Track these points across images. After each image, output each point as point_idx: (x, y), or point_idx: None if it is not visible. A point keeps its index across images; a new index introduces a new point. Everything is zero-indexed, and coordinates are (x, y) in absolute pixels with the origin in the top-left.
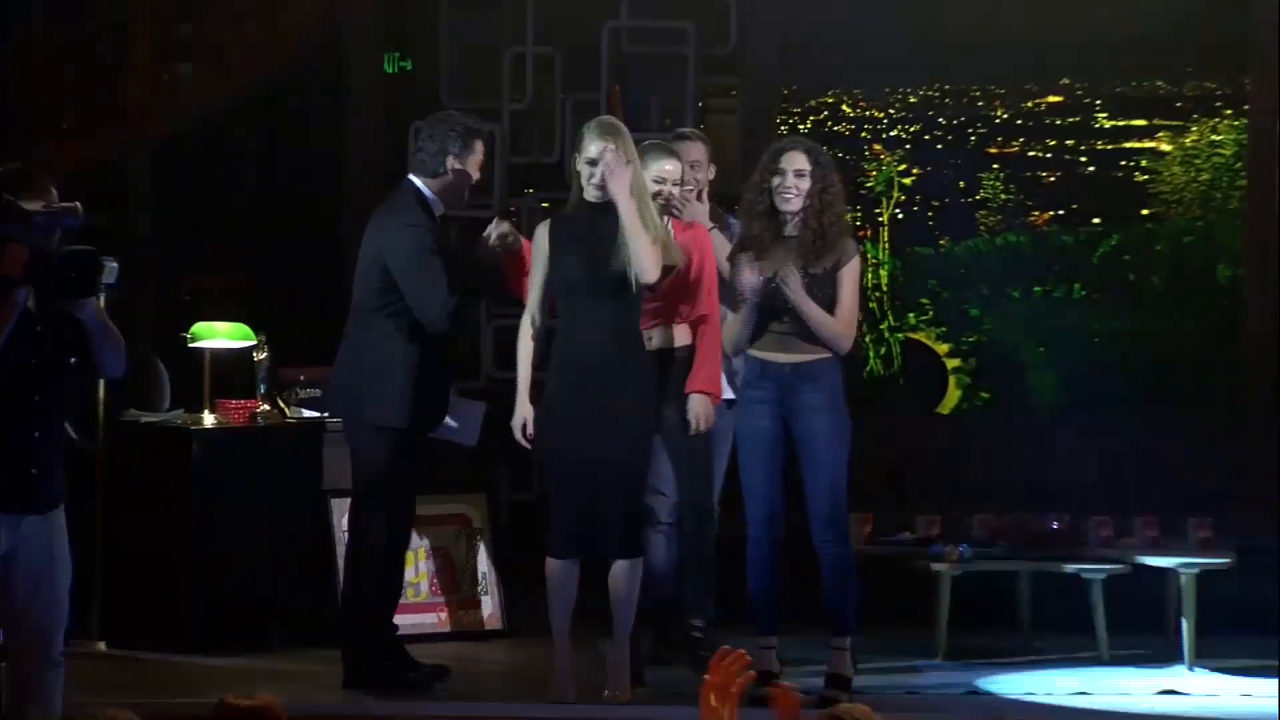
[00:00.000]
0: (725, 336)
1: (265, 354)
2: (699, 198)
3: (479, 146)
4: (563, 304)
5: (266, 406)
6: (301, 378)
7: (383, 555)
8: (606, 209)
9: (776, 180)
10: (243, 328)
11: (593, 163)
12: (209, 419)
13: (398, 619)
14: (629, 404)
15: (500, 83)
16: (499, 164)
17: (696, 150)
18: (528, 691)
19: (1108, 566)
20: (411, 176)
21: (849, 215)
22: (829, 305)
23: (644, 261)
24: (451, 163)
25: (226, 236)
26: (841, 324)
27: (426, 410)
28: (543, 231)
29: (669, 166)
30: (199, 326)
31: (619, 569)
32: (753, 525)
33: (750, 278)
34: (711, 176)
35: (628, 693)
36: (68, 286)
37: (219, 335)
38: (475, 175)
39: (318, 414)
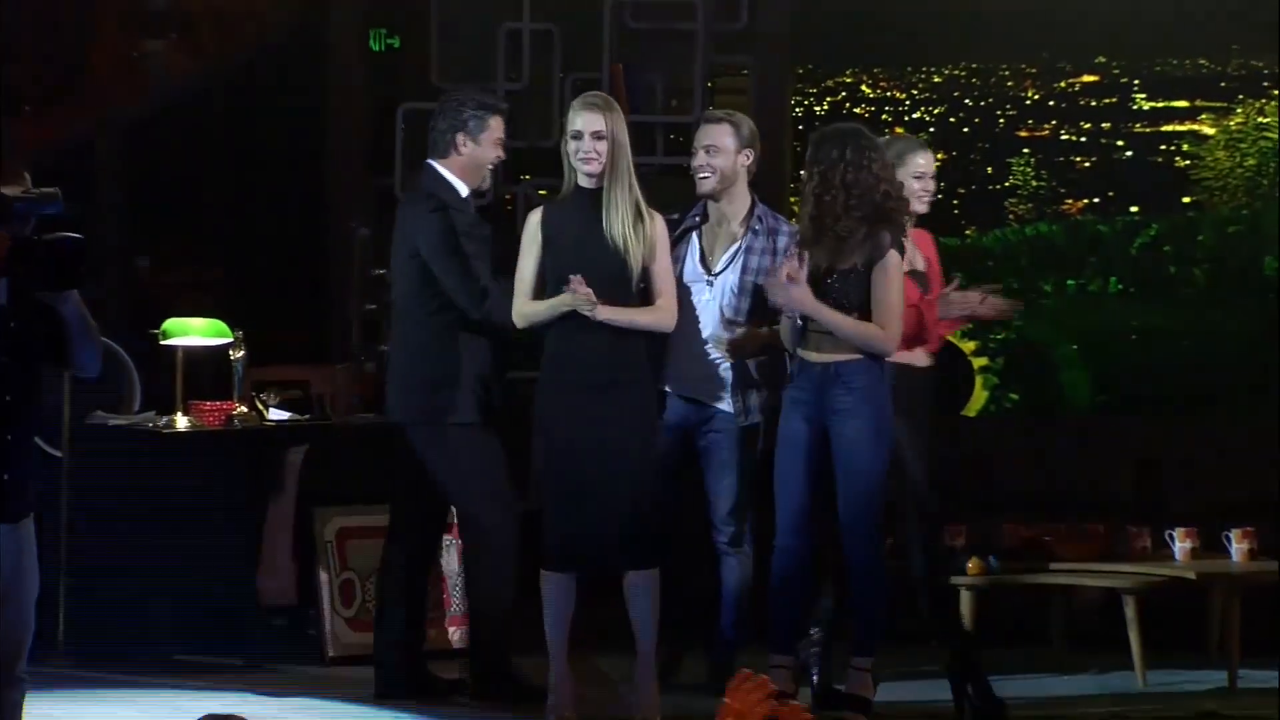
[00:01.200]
0: (782, 334)
1: (242, 352)
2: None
3: (494, 123)
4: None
5: (244, 408)
6: (284, 376)
7: (508, 555)
8: (600, 196)
9: (805, 173)
10: (218, 324)
11: (578, 136)
12: (182, 421)
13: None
14: (627, 407)
15: (495, 62)
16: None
17: (719, 133)
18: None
19: (1142, 578)
20: (429, 160)
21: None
22: (861, 305)
23: (654, 326)
24: (463, 141)
25: (201, 225)
26: (879, 326)
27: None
28: (535, 218)
29: (921, 161)
30: (171, 323)
31: (633, 582)
32: (781, 534)
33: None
34: (747, 163)
35: (658, 713)
36: (51, 277)
37: (193, 332)
38: (493, 154)
39: (299, 417)
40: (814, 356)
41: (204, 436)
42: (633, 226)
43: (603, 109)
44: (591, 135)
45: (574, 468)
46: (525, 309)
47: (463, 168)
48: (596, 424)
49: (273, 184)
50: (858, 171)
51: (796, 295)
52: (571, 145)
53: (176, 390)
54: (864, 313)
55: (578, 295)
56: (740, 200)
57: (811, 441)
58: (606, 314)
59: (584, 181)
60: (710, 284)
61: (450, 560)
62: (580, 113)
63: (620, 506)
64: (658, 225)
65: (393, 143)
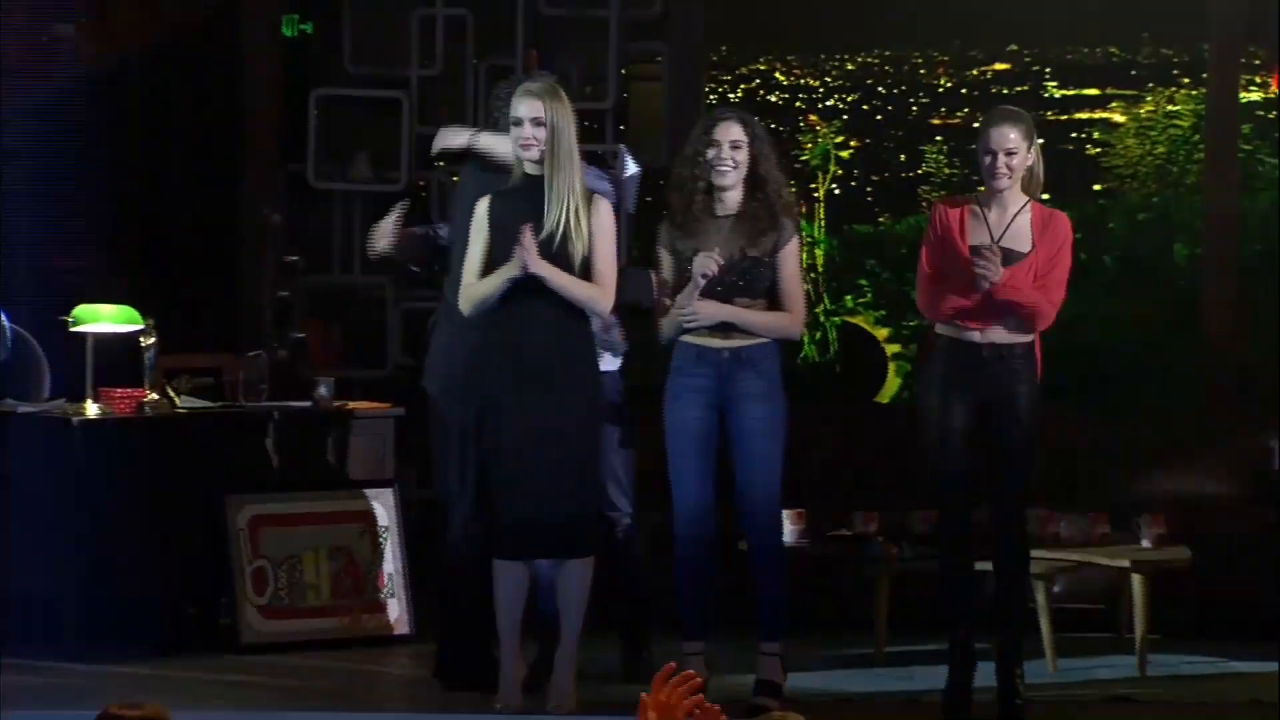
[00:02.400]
0: (657, 325)
1: (153, 339)
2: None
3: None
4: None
5: (155, 396)
6: (197, 364)
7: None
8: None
9: (711, 153)
10: (129, 310)
11: (519, 123)
12: (92, 409)
13: (297, 624)
14: (571, 393)
15: (408, 47)
16: (406, 135)
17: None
18: (440, 700)
19: (1053, 563)
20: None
21: (788, 191)
22: (770, 290)
23: (587, 302)
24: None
25: (110, 210)
26: (791, 314)
27: None
28: (483, 206)
29: (1013, 135)
30: (81, 309)
31: (571, 570)
32: (681, 524)
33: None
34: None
35: (573, 702)
36: None
37: (103, 318)
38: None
39: (210, 404)
40: (717, 343)
41: (114, 424)
42: (575, 213)
43: (542, 96)
44: (531, 122)
45: (520, 455)
46: (472, 291)
47: None
48: (541, 411)
49: (184, 170)
50: (765, 160)
51: (712, 312)
52: (513, 132)
53: (87, 377)
54: (770, 298)
55: (521, 247)
56: None
57: (712, 429)
58: (543, 270)
59: (529, 169)
60: None
61: (364, 548)
62: (521, 99)
63: (566, 493)
64: (601, 211)
65: (305, 129)
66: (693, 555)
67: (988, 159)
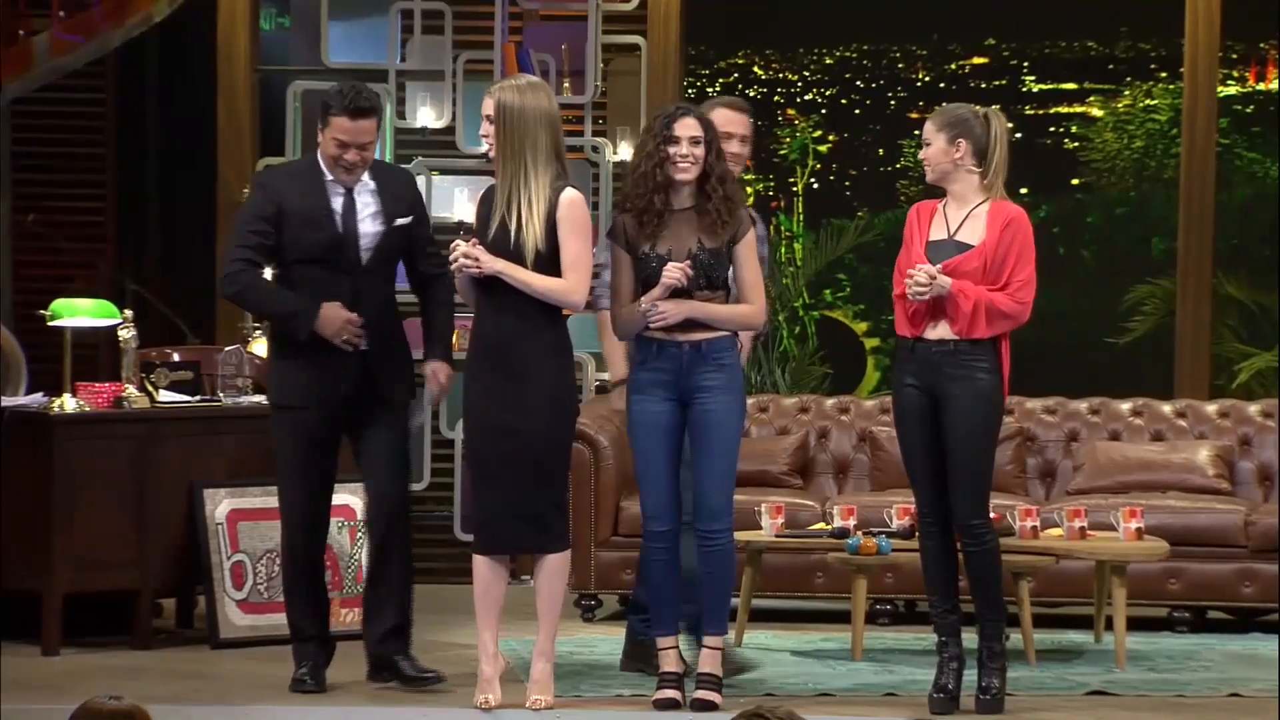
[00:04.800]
0: (616, 321)
1: (131, 333)
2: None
3: (335, 123)
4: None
5: (133, 390)
6: (176, 356)
7: None
8: None
9: (672, 149)
10: (106, 305)
11: (489, 118)
12: (70, 403)
13: (275, 619)
14: (543, 390)
15: (387, 41)
16: (385, 128)
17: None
18: (418, 695)
19: (1033, 558)
20: None
21: (734, 182)
22: (728, 282)
23: (552, 295)
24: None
25: (91, 205)
26: (754, 305)
27: None
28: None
29: (927, 127)
30: (59, 303)
31: (547, 564)
32: (653, 519)
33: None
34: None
35: (551, 696)
36: None
37: (81, 313)
38: (333, 151)
39: (189, 398)
40: (678, 336)
41: (92, 418)
42: (525, 205)
43: (495, 93)
44: (486, 119)
45: (492, 451)
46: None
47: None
48: (511, 407)
49: (163, 164)
50: (719, 153)
51: (679, 310)
52: (483, 127)
53: (65, 371)
54: (728, 290)
55: (465, 251)
56: None
57: (675, 422)
58: (499, 267)
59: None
60: None
61: (342, 541)
62: (484, 98)
63: (537, 489)
64: (570, 204)
65: (281, 121)
66: (665, 549)
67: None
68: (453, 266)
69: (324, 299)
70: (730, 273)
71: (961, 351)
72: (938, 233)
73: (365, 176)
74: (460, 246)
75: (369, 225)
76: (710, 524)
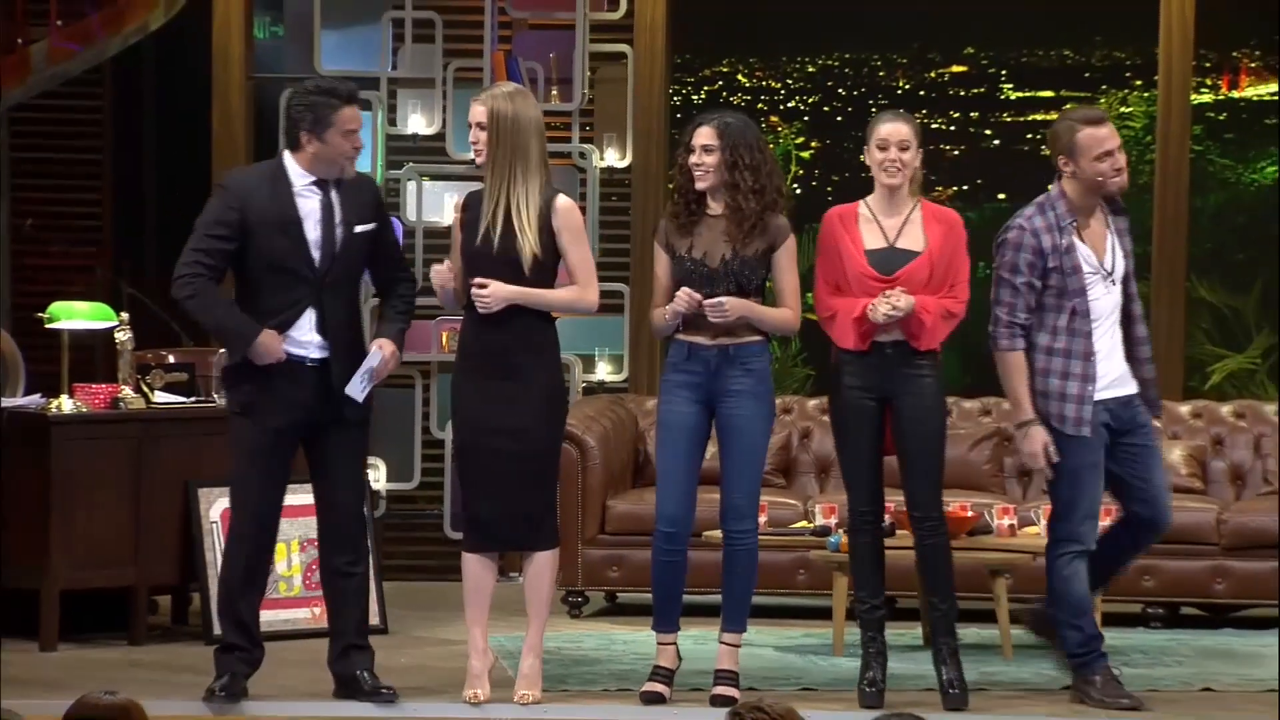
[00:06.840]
0: (654, 322)
1: (128, 335)
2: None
3: (345, 114)
4: (467, 285)
5: (129, 391)
6: (171, 358)
7: None
8: None
9: (691, 158)
10: (103, 307)
11: (480, 126)
12: (68, 405)
13: (268, 616)
14: (534, 390)
15: (378, 49)
16: (377, 136)
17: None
18: (410, 691)
19: (1010, 556)
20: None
21: (774, 190)
22: (763, 288)
23: (570, 305)
24: (307, 139)
25: (85, 208)
26: (791, 312)
27: None
28: (458, 207)
29: (906, 129)
30: (56, 306)
31: (537, 562)
32: (664, 520)
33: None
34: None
35: (539, 691)
36: None
37: (78, 315)
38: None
39: (185, 399)
40: (708, 340)
41: (89, 419)
42: (518, 213)
43: (485, 100)
44: (475, 126)
45: (484, 450)
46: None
47: (312, 160)
48: (504, 407)
49: (157, 170)
50: (742, 161)
51: (734, 307)
52: (472, 133)
53: (62, 373)
54: (760, 297)
55: (477, 294)
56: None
57: (699, 424)
58: (513, 297)
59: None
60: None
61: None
62: (472, 106)
63: (529, 488)
64: (565, 210)
65: (275, 129)
66: (676, 550)
67: (880, 155)
68: (476, 304)
69: (285, 306)
70: (762, 278)
71: (912, 353)
72: (873, 241)
73: (330, 183)
74: (440, 272)
75: (333, 232)
76: (736, 524)
